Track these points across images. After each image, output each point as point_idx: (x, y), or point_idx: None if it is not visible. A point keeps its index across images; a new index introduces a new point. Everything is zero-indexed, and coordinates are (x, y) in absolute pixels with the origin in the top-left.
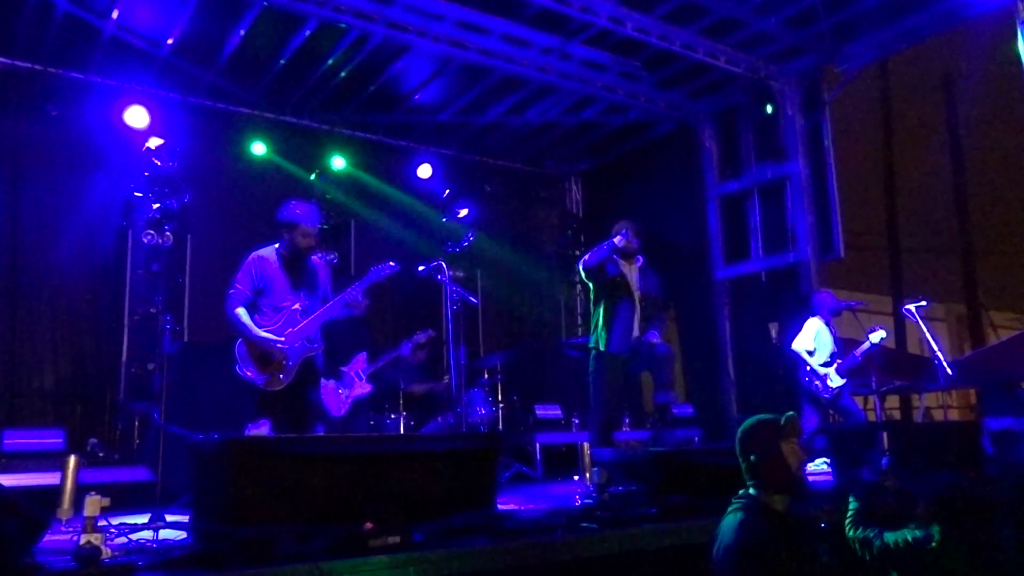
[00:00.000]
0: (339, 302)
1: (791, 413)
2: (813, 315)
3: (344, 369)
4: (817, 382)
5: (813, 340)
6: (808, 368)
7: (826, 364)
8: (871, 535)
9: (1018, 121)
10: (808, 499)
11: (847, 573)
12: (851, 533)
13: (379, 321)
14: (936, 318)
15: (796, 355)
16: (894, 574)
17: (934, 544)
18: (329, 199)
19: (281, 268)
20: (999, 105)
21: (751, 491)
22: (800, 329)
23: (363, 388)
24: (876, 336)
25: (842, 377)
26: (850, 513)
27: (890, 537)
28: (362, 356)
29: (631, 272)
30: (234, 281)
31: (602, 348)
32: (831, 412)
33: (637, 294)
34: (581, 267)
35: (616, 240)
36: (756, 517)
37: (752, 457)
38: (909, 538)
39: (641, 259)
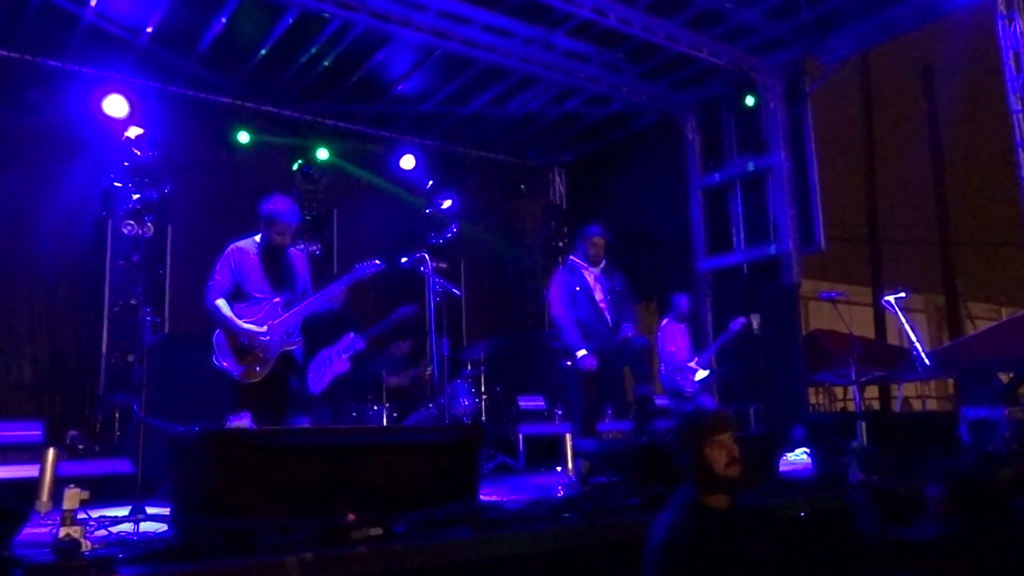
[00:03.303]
0: (322, 297)
1: (718, 410)
2: (665, 317)
3: (324, 351)
4: (678, 377)
5: (670, 341)
6: (669, 367)
7: (686, 360)
8: (897, 537)
9: (997, 114)
10: (767, 488)
11: (797, 565)
12: (873, 538)
13: (361, 313)
14: (915, 309)
15: (665, 355)
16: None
17: (964, 535)
18: (311, 190)
19: (260, 260)
20: (978, 98)
21: (689, 487)
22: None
23: (341, 366)
24: (737, 324)
25: (706, 368)
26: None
27: (916, 535)
28: (348, 336)
29: (593, 276)
30: (213, 272)
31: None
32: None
33: (603, 300)
34: (551, 312)
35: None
36: (686, 516)
37: (677, 461)
38: (937, 534)
39: (603, 261)
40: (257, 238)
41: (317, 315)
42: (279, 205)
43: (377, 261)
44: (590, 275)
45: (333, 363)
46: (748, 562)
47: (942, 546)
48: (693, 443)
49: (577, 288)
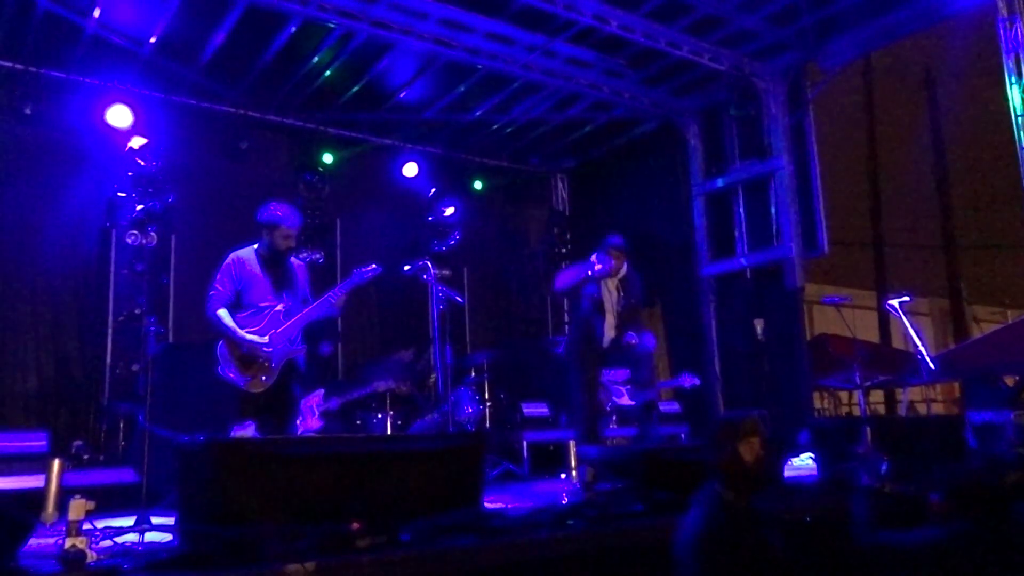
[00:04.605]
0: (322, 304)
1: (753, 413)
2: None
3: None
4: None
5: None
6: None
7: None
8: (886, 541)
9: (999, 117)
10: (772, 493)
11: (804, 568)
12: (863, 542)
13: (364, 321)
14: (920, 313)
15: None
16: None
17: (960, 539)
18: (314, 198)
19: (261, 269)
20: (980, 101)
21: (715, 485)
22: None
23: (314, 423)
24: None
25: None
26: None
27: (908, 539)
28: (319, 393)
29: (612, 288)
30: (214, 282)
31: (577, 348)
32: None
33: (615, 310)
34: (554, 290)
35: (596, 268)
36: (716, 510)
37: (712, 455)
38: (931, 538)
39: (625, 267)
40: (256, 247)
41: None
42: (280, 210)
43: (374, 265)
44: (609, 286)
45: (306, 419)
46: (770, 557)
47: (936, 550)
48: (729, 440)
49: (595, 292)
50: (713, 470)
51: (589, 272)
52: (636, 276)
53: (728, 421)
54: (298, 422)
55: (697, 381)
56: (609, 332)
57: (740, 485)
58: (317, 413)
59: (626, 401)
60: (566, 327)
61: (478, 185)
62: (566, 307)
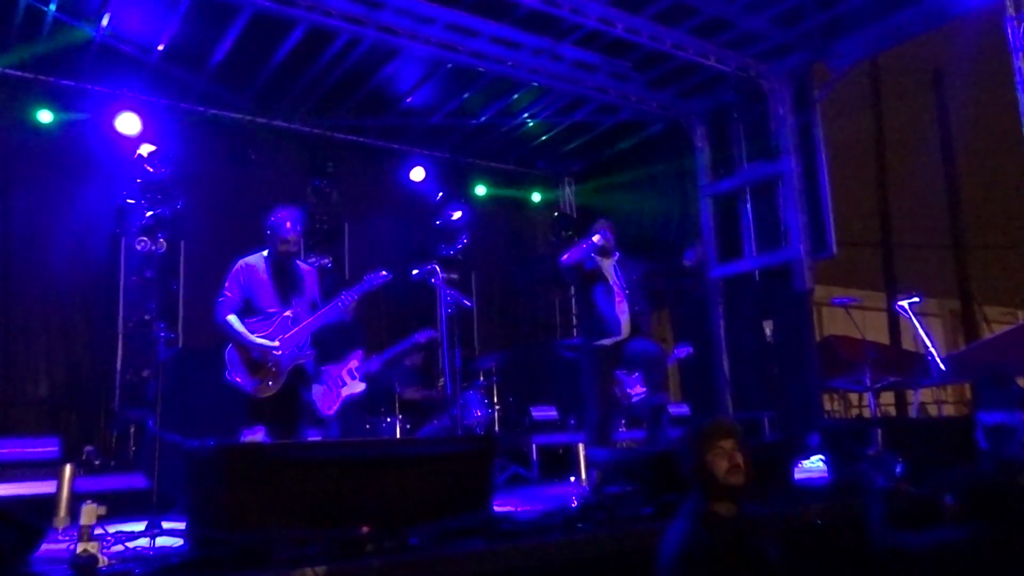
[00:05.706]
0: (332, 309)
1: (720, 417)
2: None
3: (331, 368)
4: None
5: None
6: None
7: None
8: (902, 542)
9: (1007, 116)
10: (783, 496)
11: (811, 572)
12: (879, 544)
13: (373, 326)
14: (930, 313)
15: None
16: None
17: (975, 541)
18: (322, 204)
19: (269, 275)
20: (989, 101)
21: (696, 497)
22: None
23: (356, 387)
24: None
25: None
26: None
27: (923, 541)
28: (358, 354)
29: (609, 267)
30: (222, 289)
31: (591, 339)
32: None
33: (617, 285)
34: (560, 266)
35: (595, 239)
36: (697, 524)
37: (682, 468)
38: (947, 540)
39: (617, 254)
40: (265, 253)
41: (327, 327)
42: (281, 215)
43: (384, 272)
44: (606, 265)
45: (346, 384)
46: (758, 570)
47: (951, 552)
48: (695, 450)
49: (593, 264)
50: (689, 479)
51: (594, 239)
52: (631, 260)
53: (693, 428)
54: (336, 391)
55: (690, 349)
56: (621, 316)
57: (718, 496)
58: (358, 376)
59: (639, 390)
60: (574, 329)
61: (481, 190)
62: (574, 310)
